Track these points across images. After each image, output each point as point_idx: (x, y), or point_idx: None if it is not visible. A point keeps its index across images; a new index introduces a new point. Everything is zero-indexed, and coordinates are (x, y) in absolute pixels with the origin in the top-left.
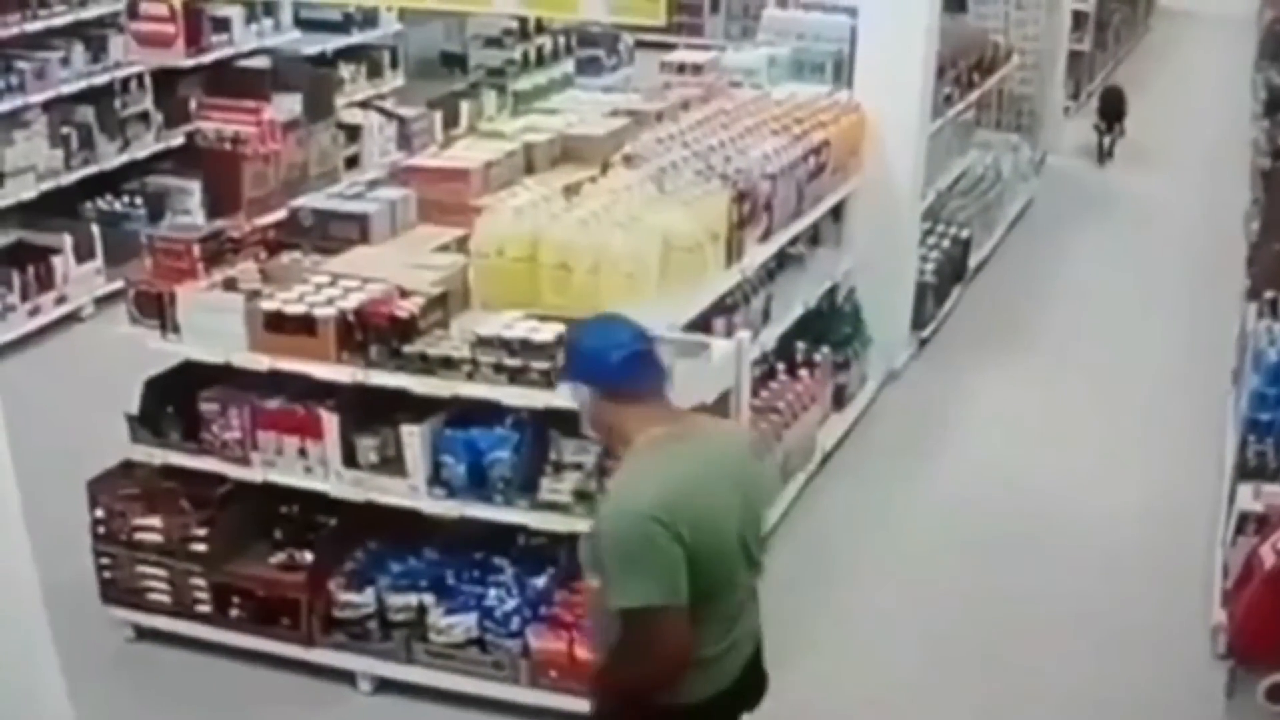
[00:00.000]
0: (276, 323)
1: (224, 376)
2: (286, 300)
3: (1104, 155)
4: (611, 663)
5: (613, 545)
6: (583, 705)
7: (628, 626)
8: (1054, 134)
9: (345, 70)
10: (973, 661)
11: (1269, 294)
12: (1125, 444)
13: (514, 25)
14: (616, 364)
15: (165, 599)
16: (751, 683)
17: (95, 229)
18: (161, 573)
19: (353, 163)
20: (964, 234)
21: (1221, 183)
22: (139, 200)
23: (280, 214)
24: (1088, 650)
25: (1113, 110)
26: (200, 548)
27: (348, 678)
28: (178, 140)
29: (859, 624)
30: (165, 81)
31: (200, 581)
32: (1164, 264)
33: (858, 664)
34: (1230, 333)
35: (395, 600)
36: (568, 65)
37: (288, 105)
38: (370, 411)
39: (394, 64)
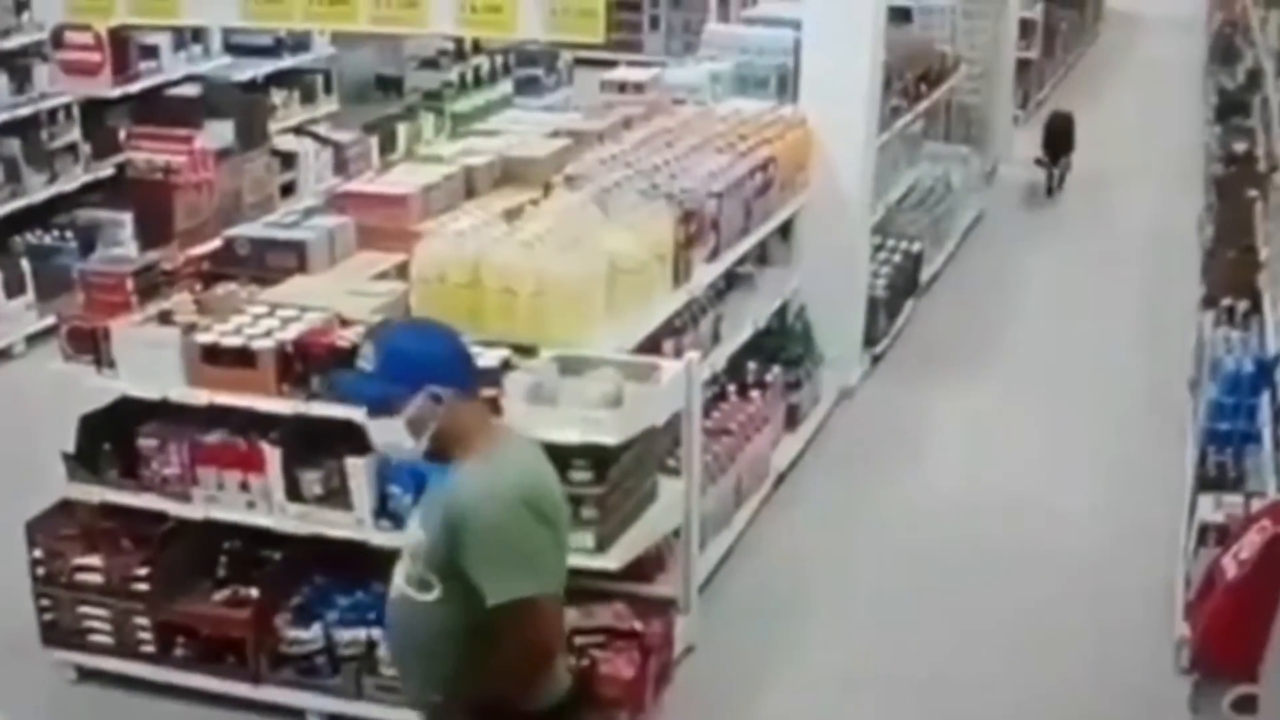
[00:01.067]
0: (214, 356)
1: (162, 411)
2: (224, 332)
3: (1051, 189)
4: (470, 670)
5: (484, 537)
6: None
7: (504, 622)
8: (1004, 144)
9: (277, 96)
10: (930, 680)
11: (1225, 301)
12: (1083, 457)
13: (450, 46)
14: (469, 361)
15: (108, 639)
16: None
17: (25, 263)
18: (103, 613)
19: (288, 190)
20: (915, 247)
21: (1174, 189)
22: (69, 233)
23: (215, 244)
24: (1049, 666)
25: (1059, 141)
26: (142, 587)
27: (297, 715)
28: (107, 171)
29: (816, 646)
30: (93, 111)
31: (143, 621)
32: (1118, 273)
33: (816, 687)
34: (1187, 342)
35: (343, 635)
36: (506, 86)
37: (220, 133)
38: (313, 443)
39: (327, 88)
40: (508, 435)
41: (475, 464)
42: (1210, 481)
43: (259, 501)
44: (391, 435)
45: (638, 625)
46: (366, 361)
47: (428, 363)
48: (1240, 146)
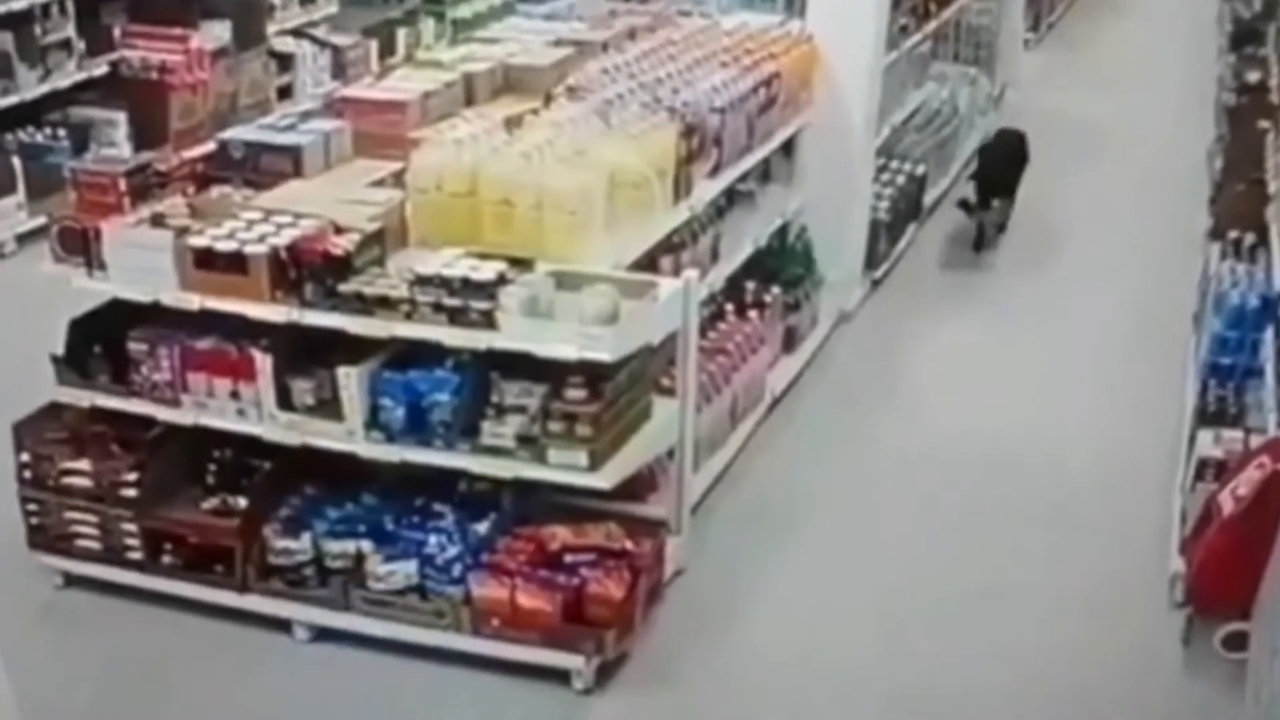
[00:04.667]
0: (206, 260)
1: (153, 316)
2: (217, 237)
3: (981, 242)
4: None
5: None
6: (525, 653)
7: None
8: (1013, 67)
9: None
10: (923, 611)
11: (1232, 234)
12: (1083, 388)
13: None
14: None
15: (95, 545)
16: None
17: (16, 161)
18: (91, 518)
19: (285, 93)
20: (919, 170)
21: (1187, 118)
22: (62, 132)
23: (209, 146)
24: (1042, 598)
25: (996, 177)
26: (130, 493)
27: (284, 626)
28: (101, 69)
29: (807, 572)
30: (87, 7)
31: (131, 527)
32: (1126, 202)
33: (805, 612)
34: (1192, 274)
35: (332, 547)
36: None
37: (216, 33)
38: (305, 352)
39: None
40: None
41: None
42: (1210, 416)
43: (249, 410)
44: None
45: (629, 545)
46: None
47: None
48: (1253, 76)
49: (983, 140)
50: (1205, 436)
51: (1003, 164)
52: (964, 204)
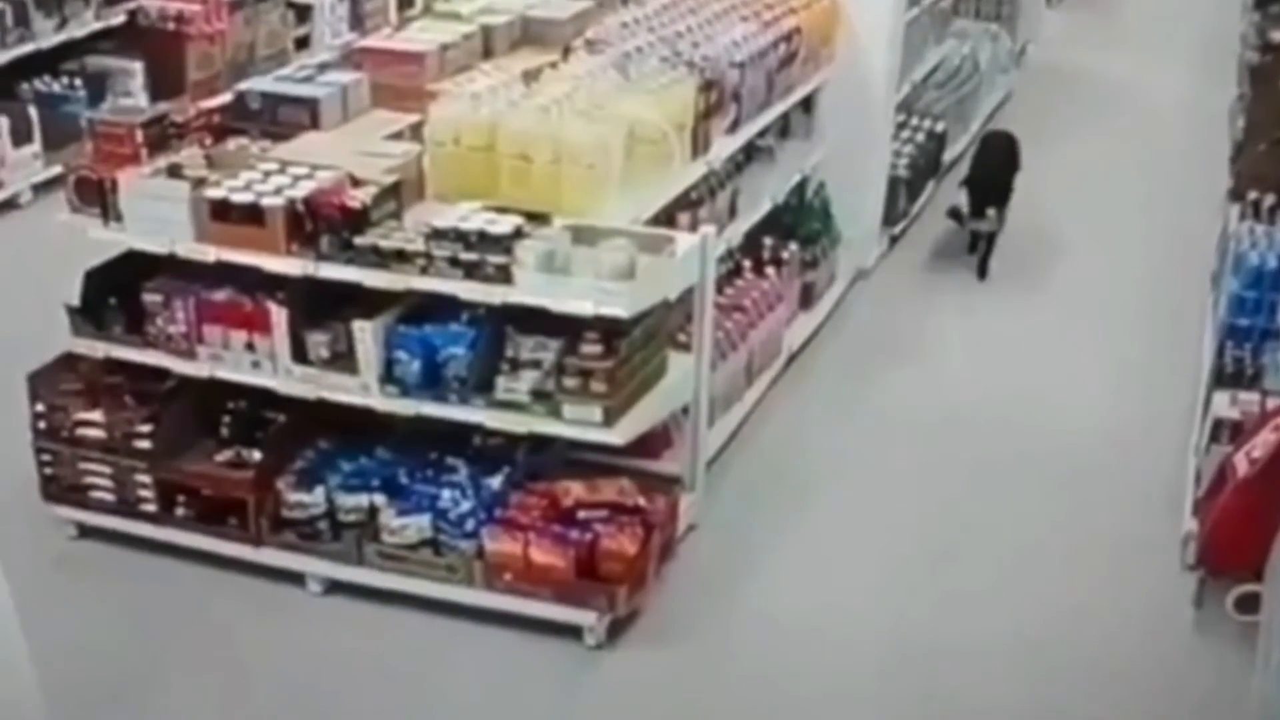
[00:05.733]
0: (223, 212)
1: (168, 267)
2: (233, 188)
3: (981, 266)
4: None
5: None
6: (537, 608)
7: None
8: (1035, 24)
9: None
10: (936, 569)
11: (1252, 194)
12: (1100, 349)
13: None
14: None
15: (109, 497)
16: None
17: (32, 111)
18: (105, 469)
19: (303, 44)
20: (939, 127)
21: (1209, 77)
22: (78, 81)
23: (226, 97)
24: (1055, 558)
25: (990, 184)
26: (144, 444)
27: (297, 579)
28: (119, 18)
29: (819, 529)
30: None
31: (145, 479)
32: (1146, 161)
33: (817, 570)
34: (1211, 235)
35: (346, 500)
36: None
37: None
38: (321, 305)
39: None
40: None
41: None
42: (1227, 377)
43: (264, 362)
44: None
45: (642, 501)
46: None
47: None
48: (1277, 35)
49: (976, 149)
50: (1221, 398)
51: (996, 169)
52: (955, 213)
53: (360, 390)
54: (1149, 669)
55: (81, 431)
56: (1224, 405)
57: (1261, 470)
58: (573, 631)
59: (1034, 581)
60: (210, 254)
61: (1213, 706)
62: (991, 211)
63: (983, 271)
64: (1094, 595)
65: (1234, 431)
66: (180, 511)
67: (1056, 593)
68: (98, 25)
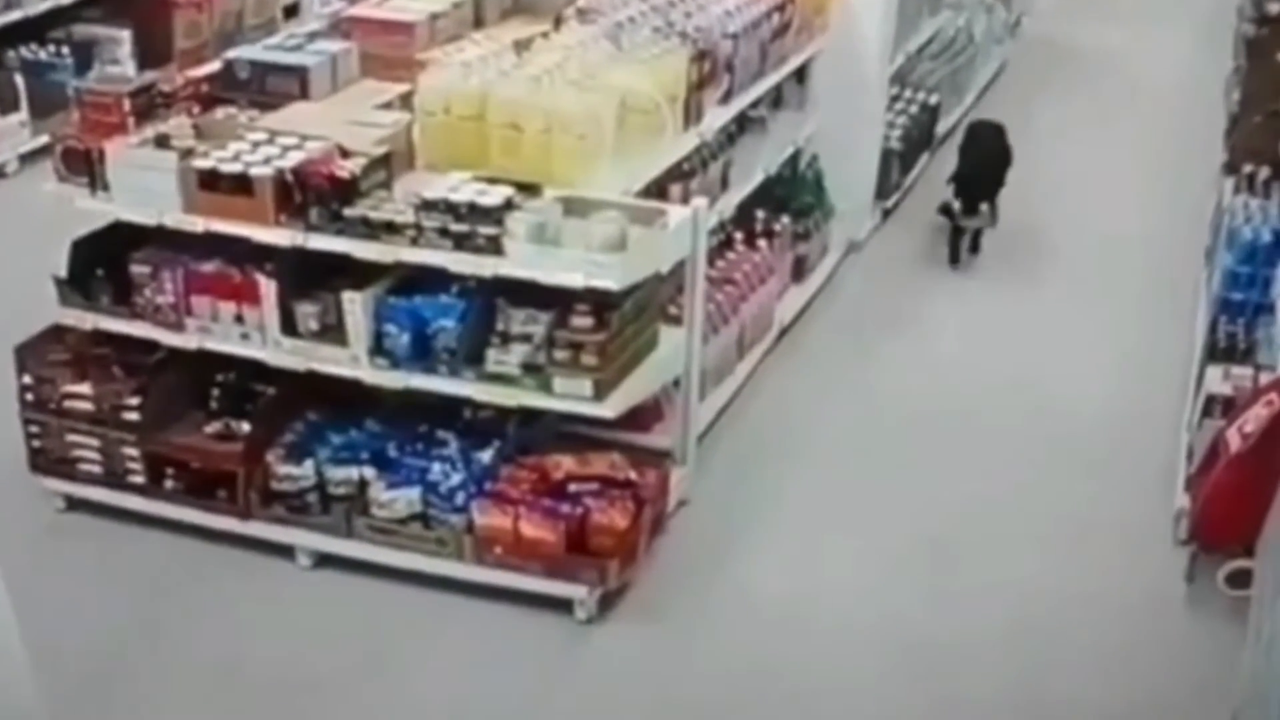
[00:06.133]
0: (211, 182)
1: (156, 238)
2: (222, 158)
3: (957, 255)
4: None
5: None
6: (527, 582)
7: None
8: None
9: None
10: (927, 544)
11: (1247, 168)
12: (1093, 324)
13: None
14: None
15: (97, 469)
16: None
17: (19, 79)
18: (93, 442)
19: (291, 12)
20: (933, 100)
21: (1205, 49)
22: (65, 49)
23: (214, 66)
24: (1046, 535)
25: (981, 178)
26: (133, 416)
27: (286, 552)
28: None
29: (811, 504)
30: None
31: (133, 451)
32: (1141, 134)
33: (808, 545)
34: (1206, 208)
35: (335, 473)
36: None
37: None
38: (310, 277)
39: None
40: None
41: None
42: (1220, 352)
43: (253, 334)
44: None
45: (633, 475)
46: None
47: None
48: (1274, 7)
49: (962, 140)
50: (1214, 372)
51: (986, 163)
52: (946, 210)
53: (350, 362)
54: (1140, 644)
55: (69, 403)
56: (1217, 380)
57: (1254, 445)
58: (563, 605)
59: (1025, 557)
60: (198, 225)
61: (1204, 681)
62: (984, 208)
63: (956, 258)
64: (1086, 570)
65: (1226, 406)
66: (169, 484)
67: (1047, 568)
68: None
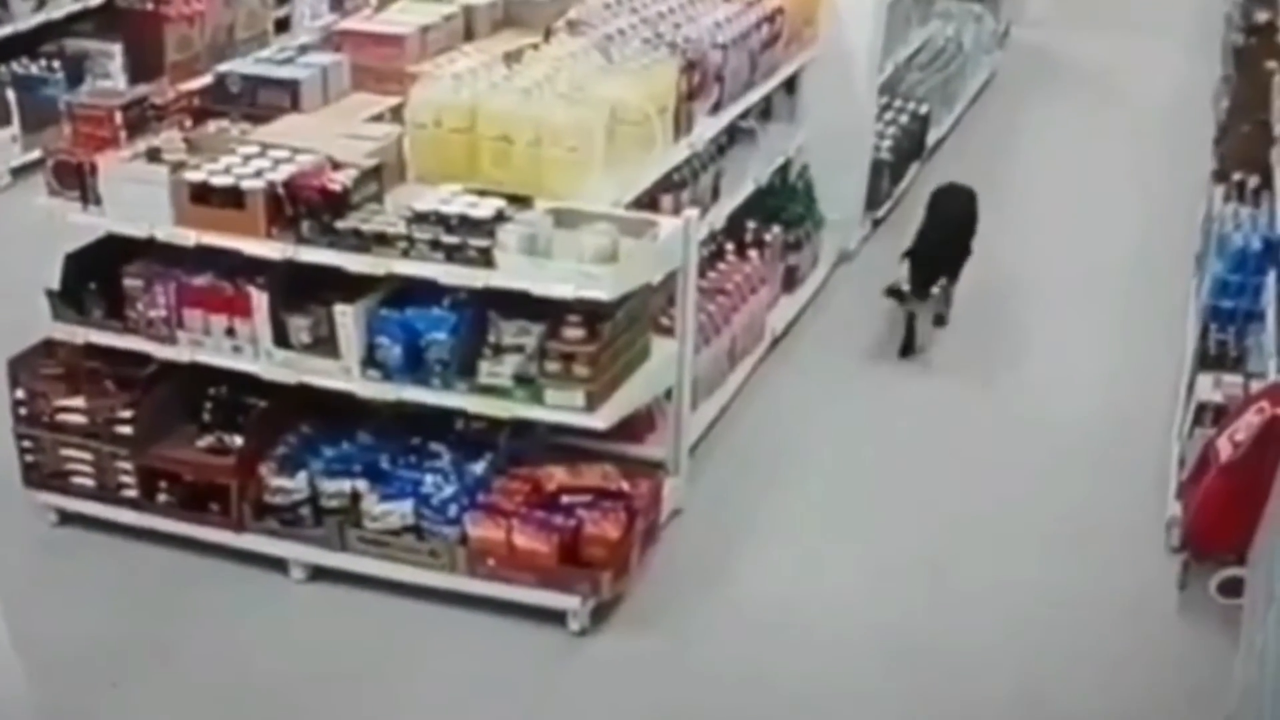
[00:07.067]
0: (203, 195)
1: (148, 251)
2: (213, 171)
3: (911, 345)
4: None
5: None
6: (520, 594)
7: None
8: (1019, 4)
9: None
10: (920, 556)
11: (1237, 176)
12: (1084, 332)
13: None
14: None
15: (90, 483)
16: None
17: (10, 94)
18: (86, 456)
19: (282, 26)
20: (922, 109)
21: (1194, 58)
22: (57, 63)
23: (206, 80)
24: (1039, 542)
25: (939, 254)
26: (126, 430)
27: (279, 565)
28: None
29: (804, 514)
30: None
31: (126, 465)
32: (1130, 143)
33: (802, 555)
34: (1195, 216)
35: (328, 486)
36: None
37: None
38: (302, 290)
39: None
40: None
41: None
42: (1210, 360)
43: (245, 347)
44: None
45: (626, 486)
46: None
47: None
48: (1262, 16)
49: (928, 202)
50: (1205, 381)
51: (947, 237)
52: (895, 291)
53: (342, 375)
54: (1132, 652)
55: (62, 417)
56: (1207, 388)
57: (1245, 453)
58: (556, 617)
59: (1018, 565)
60: (190, 238)
61: (1196, 689)
62: (936, 289)
63: (907, 349)
64: (1079, 579)
65: (1217, 415)
66: (162, 497)
67: (1041, 576)
68: (76, 6)
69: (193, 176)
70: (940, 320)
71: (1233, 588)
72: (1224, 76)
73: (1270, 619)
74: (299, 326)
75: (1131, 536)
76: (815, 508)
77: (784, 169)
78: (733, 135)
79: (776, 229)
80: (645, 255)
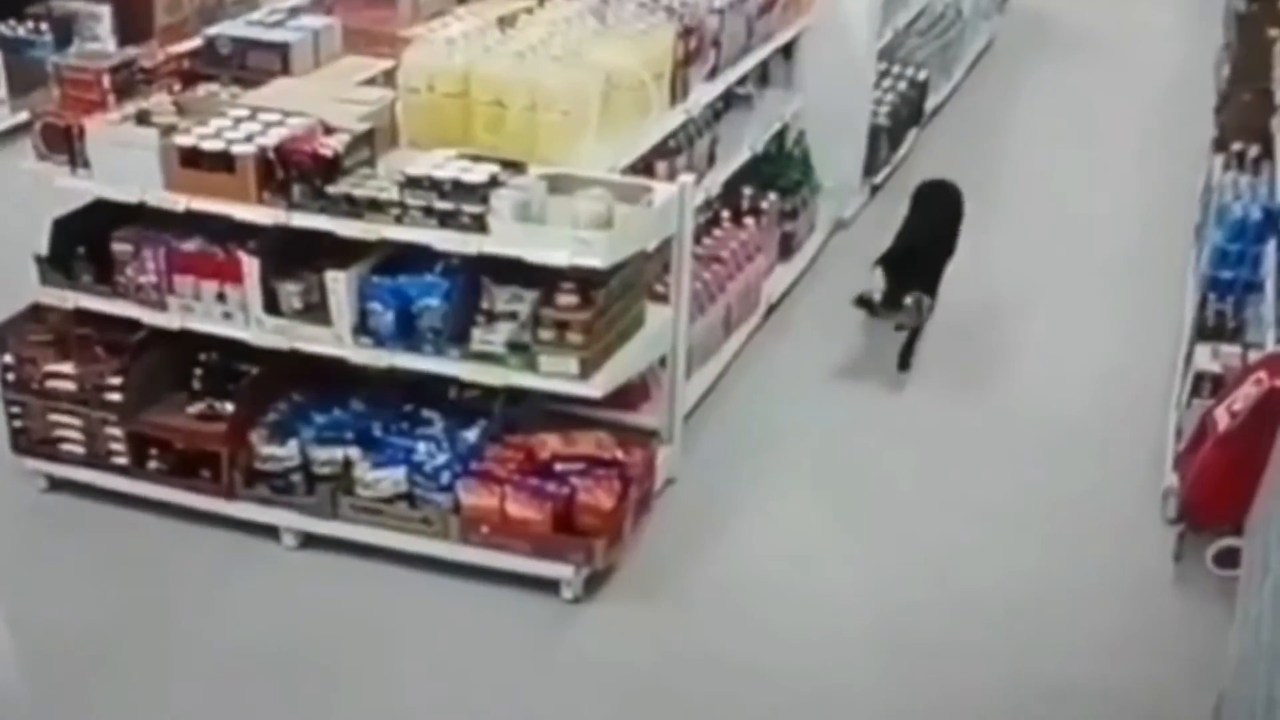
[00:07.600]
0: (193, 159)
1: (138, 216)
2: (203, 135)
3: (907, 358)
4: None
5: None
6: (513, 562)
7: None
8: None
9: None
10: (915, 525)
11: (1236, 145)
12: (1082, 300)
13: None
14: None
15: (79, 449)
16: None
17: None
18: (75, 422)
19: None
20: (921, 75)
21: (1195, 25)
22: (45, 25)
23: (196, 42)
24: (1035, 513)
25: (914, 262)
26: (115, 396)
27: (271, 532)
28: None
29: (798, 483)
30: None
31: (116, 431)
32: (1130, 111)
33: (795, 524)
34: (1195, 186)
35: (320, 453)
36: None
37: None
38: (293, 255)
39: None
40: None
41: None
42: (1209, 330)
43: (236, 313)
44: None
45: (619, 454)
46: None
47: None
48: None
49: (913, 195)
50: (1203, 351)
51: (925, 242)
52: (864, 301)
53: (333, 341)
54: (1128, 623)
55: (51, 383)
56: (1206, 358)
57: (1242, 424)
58: (549, 585)
59: (1013, 536)
60: (180, 203)
61: (1192, 660)
62: (909, 300)
63: (905, 362)
64: (1074, 550)
65: (1215, 385)
66: (152, 464)
67: (1036, 548)
68: None
69: (183, 140)
70: (914, 335)
71: (1229, 559)
72: (1225, 44)
73: (1265, 590)
74: (290, 292)
75: (1128, 507)
76: (809, 476)
77: (781, 135)
78: (729, 101)
79: (773, 196)
80: (640, 222)
